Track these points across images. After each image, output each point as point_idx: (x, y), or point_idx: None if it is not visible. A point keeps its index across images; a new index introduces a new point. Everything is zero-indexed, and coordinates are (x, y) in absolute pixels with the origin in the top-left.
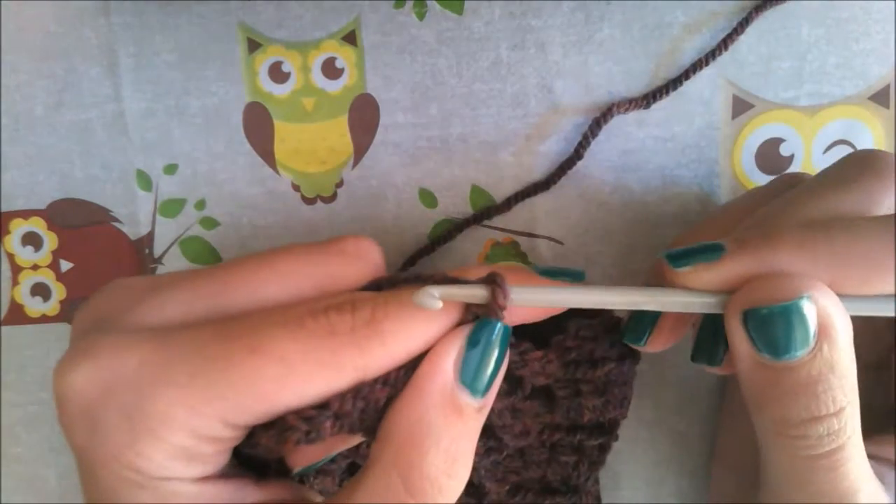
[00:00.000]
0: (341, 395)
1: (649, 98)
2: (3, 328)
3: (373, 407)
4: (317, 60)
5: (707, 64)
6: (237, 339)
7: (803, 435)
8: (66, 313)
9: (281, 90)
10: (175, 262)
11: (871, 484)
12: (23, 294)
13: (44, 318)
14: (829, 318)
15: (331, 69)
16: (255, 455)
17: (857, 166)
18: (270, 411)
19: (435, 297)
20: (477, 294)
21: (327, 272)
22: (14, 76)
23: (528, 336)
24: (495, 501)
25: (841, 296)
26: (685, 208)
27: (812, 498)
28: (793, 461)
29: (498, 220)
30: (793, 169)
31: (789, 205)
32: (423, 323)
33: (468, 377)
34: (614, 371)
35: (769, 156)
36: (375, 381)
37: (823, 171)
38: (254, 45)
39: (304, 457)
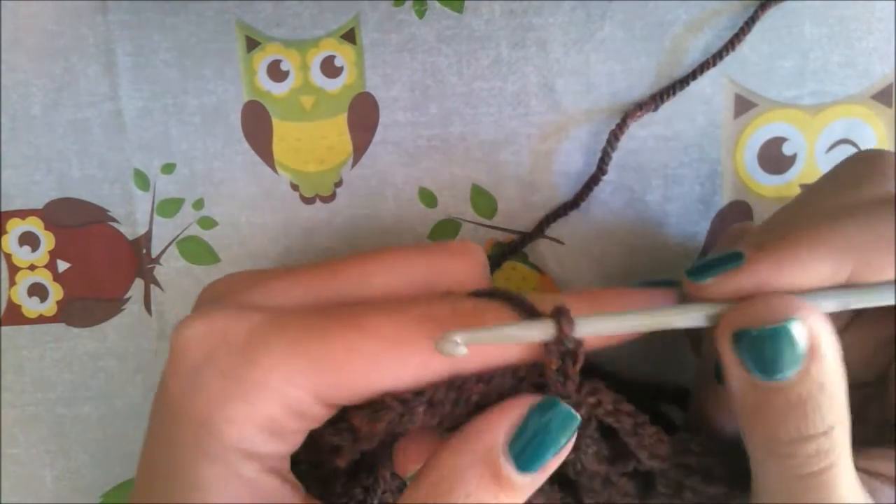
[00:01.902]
0: (436, 385)
1: (657, 100)
2: (1, 329)
3: (464, 401)
4: (316, 59)
5: (714, 65)
6: (341, 316)
7: (793, 454)
8: (64, 313)
9: (280, 89)
10: (173, 261)
11: (861, 500)
12: (20, 294)
13: (41, 319)
14: (817, 339)
15: (330, 68)
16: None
17: (859, 167)
18: (363, 390)
19: (458, 344)
20: (512, 335)
21: (434, 264)
22: (11, 75)
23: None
24: None
25: (861, 286)
26: (687, 207)
27: None
28: (784, 480)
29: (499, 220)
30: (796, 167)
31: (797, 207)
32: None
33: (517, 450)
34: (723, 495)
35: (772, 155)
36: (472, 375)
37: (826, 175)
38: (252, 44)
39: (414, 460)
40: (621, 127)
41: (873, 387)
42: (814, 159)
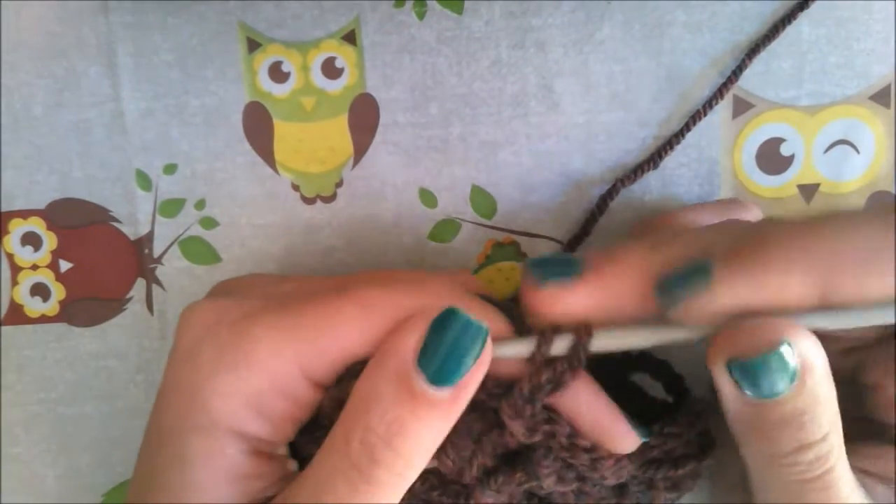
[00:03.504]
0: None
1: (655, 158)
2: (3, 328)
3: None
4: (316, 60)
5: (717, 102)
6: (329, 289)
7: (794, 462)
8: (66, 313)
9: (281, 90)
10: (175, 261)
11: (859, 497)
12: (22, 294)
13: (43, 318)
14: (808, 356)
15: (331, 69)
16: None
17: None
18: (345, 356)
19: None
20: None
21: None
22: (13, 76)
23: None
24: None
25: (837, 310)
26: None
27: None
28: (787, 486)
29: (498, 220)
30: (794, 168)
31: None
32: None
33: (428, 365)
34: (694, 468)
35: (770, 155)
36: None
37: None
38: (253, 45)
39: None
40: (611, 193)
41: (843, 384)
42: (811, 160)
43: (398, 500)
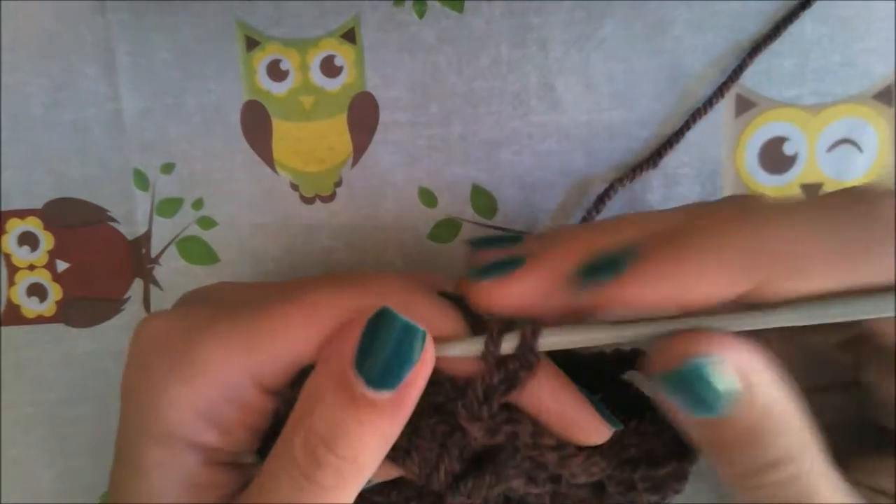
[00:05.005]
0: None
1: (655, 157)
2: (0, 329)
3: None
4: (315, 58)
5: (718, 101)
6: (281, 293)
7: (759, 485)
8: (63, 314)
9: (279, 88)
10: (172, 261)
11: None
12: (19, 294)
13: (40, 319)
14: (747, 370)
15: (330, 67)
16: None
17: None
18: (294, 362)
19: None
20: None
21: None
22: (11, 75)
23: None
24: None
25: (800, 304)
26: None
27: None
28: None
29: (499, 220)
30: (797, 167)
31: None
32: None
33: (366, 367)
34: (675, 470)
35: (772, 154)
36: None
37: None
38: (252, 44)
39: None
40: (608, 192)
41: (820, 393)
42: (814, 159)
43: (350, 502)
